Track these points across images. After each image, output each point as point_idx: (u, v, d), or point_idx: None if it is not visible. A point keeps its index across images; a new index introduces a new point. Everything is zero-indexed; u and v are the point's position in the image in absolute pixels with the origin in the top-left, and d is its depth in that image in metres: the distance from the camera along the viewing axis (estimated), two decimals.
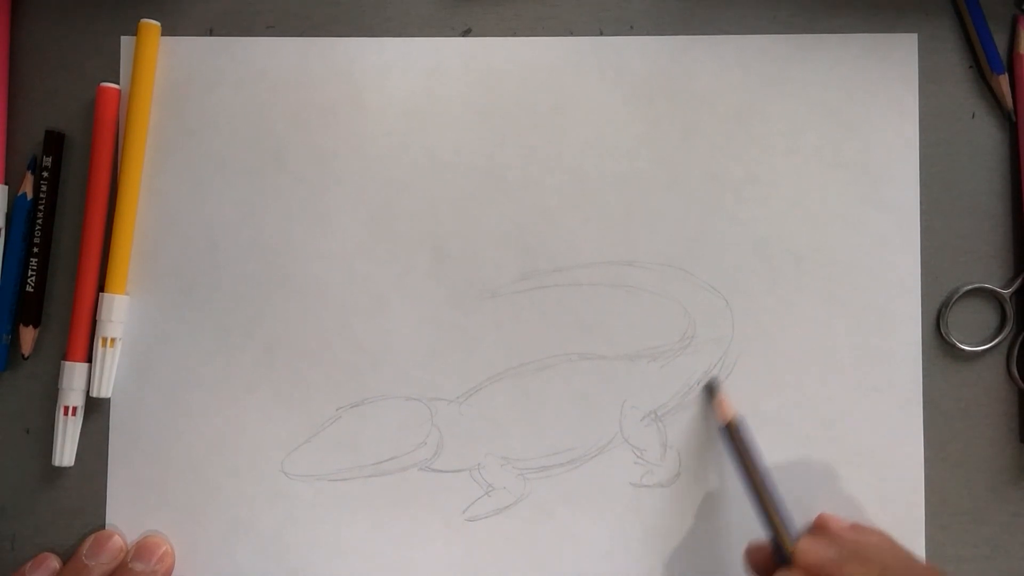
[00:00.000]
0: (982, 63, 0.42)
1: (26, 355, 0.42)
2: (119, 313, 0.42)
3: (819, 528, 0.40)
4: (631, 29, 0.43)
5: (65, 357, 0.42)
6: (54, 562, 0.41)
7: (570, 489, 0.42)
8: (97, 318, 0.42)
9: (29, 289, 0.42)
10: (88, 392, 0.42)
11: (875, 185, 0.42)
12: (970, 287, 0.42)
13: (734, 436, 0.40)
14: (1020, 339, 0.42)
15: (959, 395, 0.42)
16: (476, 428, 0.42)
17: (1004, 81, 0.42)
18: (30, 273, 0.42)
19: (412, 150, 0.43)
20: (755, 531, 0.40)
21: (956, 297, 0.42)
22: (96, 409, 0.42)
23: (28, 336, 0.42)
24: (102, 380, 0.42)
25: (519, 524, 0.42)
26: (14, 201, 0.43)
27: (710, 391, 0.42)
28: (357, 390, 0.42)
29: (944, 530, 0.42)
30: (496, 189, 0.43)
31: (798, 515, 0.41)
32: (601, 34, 0.43)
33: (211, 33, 0.43)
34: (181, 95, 0.43)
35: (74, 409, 0.42)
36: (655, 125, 0.43)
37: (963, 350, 0.42)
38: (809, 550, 0.37)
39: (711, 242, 0.42)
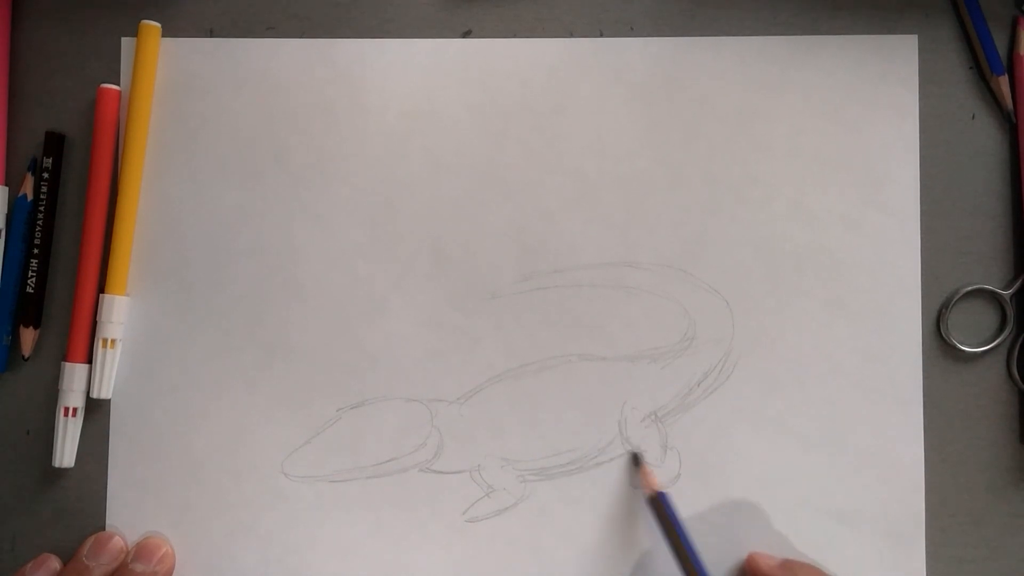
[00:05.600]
0: (982, 64, 0.42)
1: (26, 356, 0.43)
2: (119, 314, 0.42)
3: (749, 568, 0.40)
4: (631, 30, 0.43)
5: (65, 358, 0.42)
6: (54, 563, 0.41)
7: (570, 490, 0.42)
8: (97, 319, 0.42)
9: (29, 290, 0.42)
10: (88, 393, 0.42)
11: (875, 186, 0.42)
12: (970, 288, 0.42)
13: (657, 509, 0.40)
14: (1020, 340, 0.42)
15: (959, 396, 0.42)
16: (476, 429, 0.42)
17: (1004, 82, 0.42)
18: (30, 274, 0.42)
19: (412, 151, 0.43)
20: (753, 534, 0.41)
21: (956, 298, 0.42)
22: (96, 410, 0.42)
23: (28, 337, 0.42)
24: (102, 381, 0.42)
25: (519, 525, 0.42)
26: (14, 202, 0.43)
27: (635, 462, 0.42)
28: (357, 391, 0.42)
29: (944, 531, 0.42)
30: (496, 190, 0.43)
31: (797, 516, 0.41)
32: (601, 35, 0.43)
33: (211, 34, 0.43)
34: (181, 96, 0.43)
35: (74, 410, 0.42)
36: (655, 126, 0.43)
37: (963, 351, 0.42)
38: None
39: (711, 243, 0.42)
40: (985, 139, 0.43)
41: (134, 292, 0.43)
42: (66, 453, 0.42)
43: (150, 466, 0.42)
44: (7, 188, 0.43)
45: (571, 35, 0.43)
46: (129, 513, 0.42)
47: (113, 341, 0.42)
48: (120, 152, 0.43)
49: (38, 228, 0.42)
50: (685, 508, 0.41)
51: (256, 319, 0.43)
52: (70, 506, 0.42)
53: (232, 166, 0.43)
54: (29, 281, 0.42)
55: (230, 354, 0.43)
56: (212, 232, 0.43)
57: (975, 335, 0.42)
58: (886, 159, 0.42)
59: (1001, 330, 0.42)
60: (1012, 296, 0.42)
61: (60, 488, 0.42)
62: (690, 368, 0.42)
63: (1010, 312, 0.42)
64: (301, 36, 0.43)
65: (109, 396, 0.42)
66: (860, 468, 0.42)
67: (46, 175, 0.42)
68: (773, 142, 0.43)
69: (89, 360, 0.42)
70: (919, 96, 0.43)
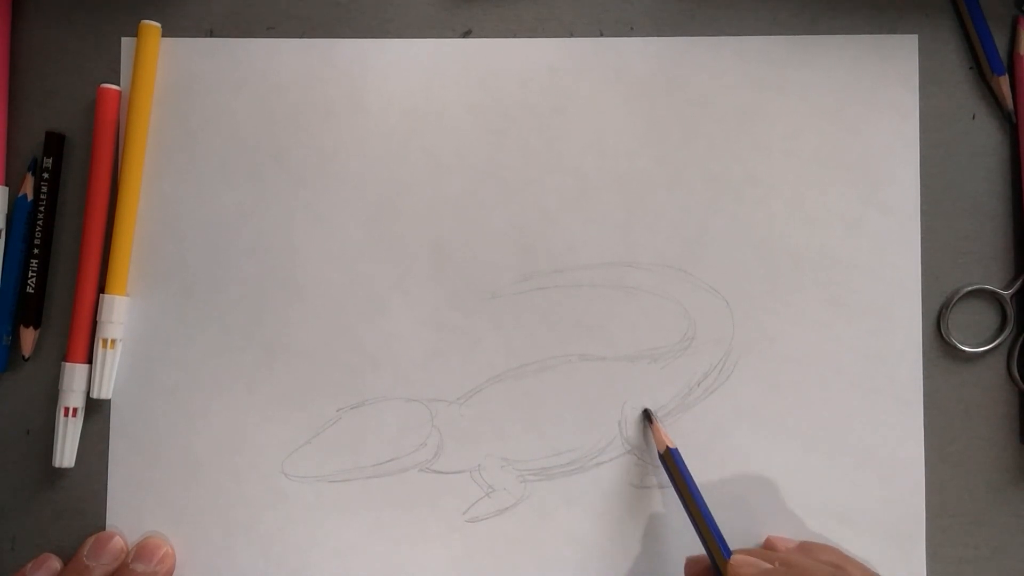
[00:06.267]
0: (982, 64, 0.42)
1: (26, 356, 0.43)
2: (119, 314, 0.42)
3: (767, 549, 0.41)
4: (631, 30, 0.43)
5: (65, 358, 0.42)
6: (55, 563, 0.41)
7: (570, 490, 0.42)
8: (97, 319, 0.42)
9: (29, 290, 0.42)
10: (88, 393, 0.42)
11: (875, 186, 0.42)
12: (970, 288, 0.42)
13: (669, 464, 0.40)
14: (1020, 340, 0.42)
15: (959, 396, 0.42)
16: (476, 429, 0.42)
17: (1004, 82, 0.42)
18: (30, 274, 0.42)
19: (412, 151, 0.43)
20: (753, 532, 0.41)
21: (956, 298, 0.42)
22: (96, 410, 0.42)
23: (28, 337, 0.42)
24: (102, 381, 0.42)
25: (519, 525, 0.42)
26: (14, 202, 0.43)
27: (647, 418, 0.42)
28: (357, 391, 0.42)
29: (944, 531, 0.42)
30: (496, 190, 0.43)
31: (797, 516, 0.41)
32: (601, 35, 0.43)
33: (211, 34, 0.43)
34: (181, 96, 0.43)
35: (74, 410, 0.42)
36: (655, 126, 0.43)
37: (963, 351, 0.42)
38: (741, 564, 0.36)
39: (711, 243, 0.42)
40: (985, 139, 0.43)
41: (134, 292, 0.43)
42: (66, 453, 0.42)
43: (150, 466, 0.42)
44: (7, 188, 0.43)
45: (571, 35, 0.43)
46: (129, 513, 0.42)
47: (113, 341, 0.42)
48: (120, 152, 0.43)
49: (38, 228, 0.42)
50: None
51: (256, 319, 0.43)
52: (70, 506, 0.42)
53: (232, 166, 0.43)
54: (29, 281, 0.42)
55: (230, 354, 0.43)
56: (212, 232, 0.43)
57: (975, 335, 0.42)
58: (886, 159, 0.42)
59: (1001, 330, 0.42)
60: (1012, 296, 0.42)
61: (60, 488, 0.42)
62: (690, 368, 0.42)
63: (1010, 312, 0.42)
64: (301, 36, 0.43)
65: (109, 396, 0.42)
66: (860, 468, 0.42)
67: (46, 175, 0.43)
68: (773, 142, 0.43)
69: (89, 360, 0.42)
70: (919, 96, 0.43)
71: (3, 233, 0.42)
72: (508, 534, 0.42)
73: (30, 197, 0.43)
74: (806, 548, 0.40)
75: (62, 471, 0.42)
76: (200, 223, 0.43)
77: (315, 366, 0.42)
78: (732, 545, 0.39)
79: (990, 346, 0.42)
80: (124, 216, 0.42)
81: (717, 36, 0.43)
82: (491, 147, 0.43)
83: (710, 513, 0.39)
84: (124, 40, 0.43)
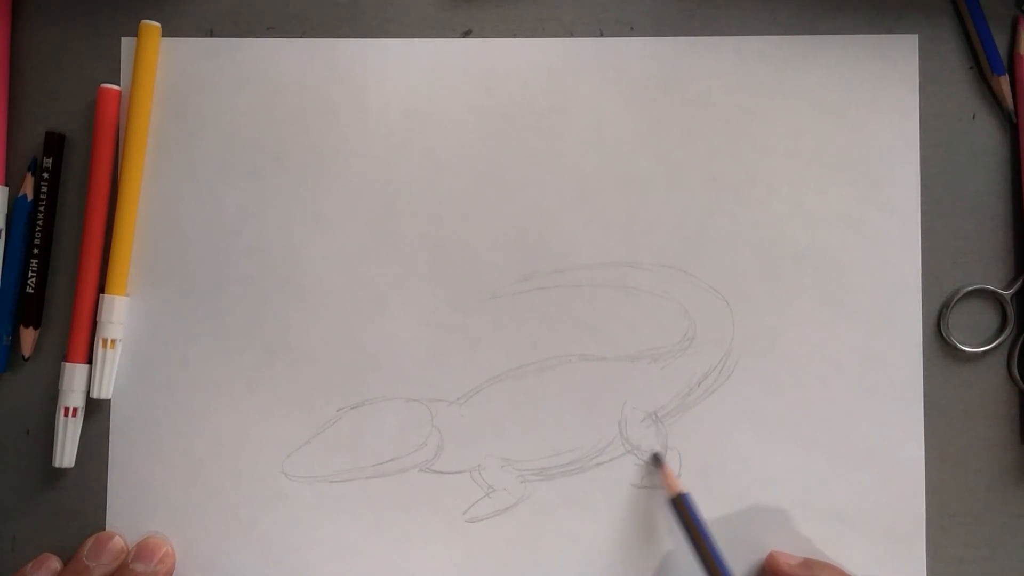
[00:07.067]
0: (982, 64, 0.42)
1: (26, 356, 0.43)
2: (119, 314, 0.42)
3: (770, 567, 0.40)
4: (631, 30, 0.43)
5: (65, 358, 0.42)
6: (55, 563, 0.41)
7: (570, 490, 0.42)
8: (97, 319, 0.42)
9: (29, 290, 0.42)
10: (88, 393, 0.42)
11: (875, 186, 0.42)
12: (971, 288, 0.42)
13: (680, 510, 0.40)
14: (1021, 340, 0.42)
15: (959, 396, 0.42)
16: (476, 429, 0.42)
17: (1004, 82, 0.42)
18: (30, 274, 0.42)
19: (412, 151, 0.43)
20: (753, 535, 0.41)
21: (957, 298, 0.42)
22: (96, 410, 0.42)
23: (28, 337, 0.42)
24: (102, 381, 0.42)
25: (519, 525, 0.42)
26: (14, 202, 0.43)
27: (656, 462, 0.42)
28: (357, 391, 0.42)
29: (944, 531, 0.42)
30: (496, 190, 0.43)
31: (797, 516, 0.41)
32: (601, 35, 0.43)
33: (211, 34, 0.43)
34: (181, 96, 0.43)
35: (74, 410, 0.42)
36: (655, 126, 0.43)
37: (964, 351, 0.42)
38: None
39: (711, 243, 0.42)
40: (985, 139, 0.43)
41: (134, 292, 0.43)
42: (66, 453, 0.42)
43: (150, 466, 0.42)
44: (7, 188, 0.43)
45: (571, 35, 0.43)
46: (129, 513, 0.42)
47: (113, 341, 0.42)
48: (120, 152, 0.43)
49: (38, 228, 0.42)
50: None
51: (256, 319, 0.43)
52: (70, 506, 0.42)
53: (232, 166, 0.43)
54: (29, 281, 0.42)
55: (230, 354, 0.43)
56: (212, 232, 0.43)
57: (975, 335, 0.42)
58: (886, 159, 0.42)
59: (1001, 330, 0.42)
60: (1012, 296, 0.42)
61: (60, 488, 0.42)
62: (690, 368, 0.42)
63: (1010, 312, 0.42)
64: (301, 36, 0.43)
65: (109, 396, 0.42)
66: (860, 468, 0.42)
67: (46, 175, 0.43)
68: (773, 142, 0.43)
69: (89, 360, 0.42)
70: (920, 96, 0.43)
71: (3, 233, 0.42)
72: (508, 534, 0.42)
73: (30, 197, 0.43)
74: (808, 565, 0.40)
75: (62, 471, 0.42)
76: (200, 223, 0.43)
77: (315, 366, 0.42)
78: (731, 557, 0.39)
79: (990, 346, 0.42)
80: (124, 216, 0.42)
81: (717, 36, 0.43)
82: (491, 147, 0.43)
83: (723, 559, 0.39)
84: (124, 40, 0.43)
